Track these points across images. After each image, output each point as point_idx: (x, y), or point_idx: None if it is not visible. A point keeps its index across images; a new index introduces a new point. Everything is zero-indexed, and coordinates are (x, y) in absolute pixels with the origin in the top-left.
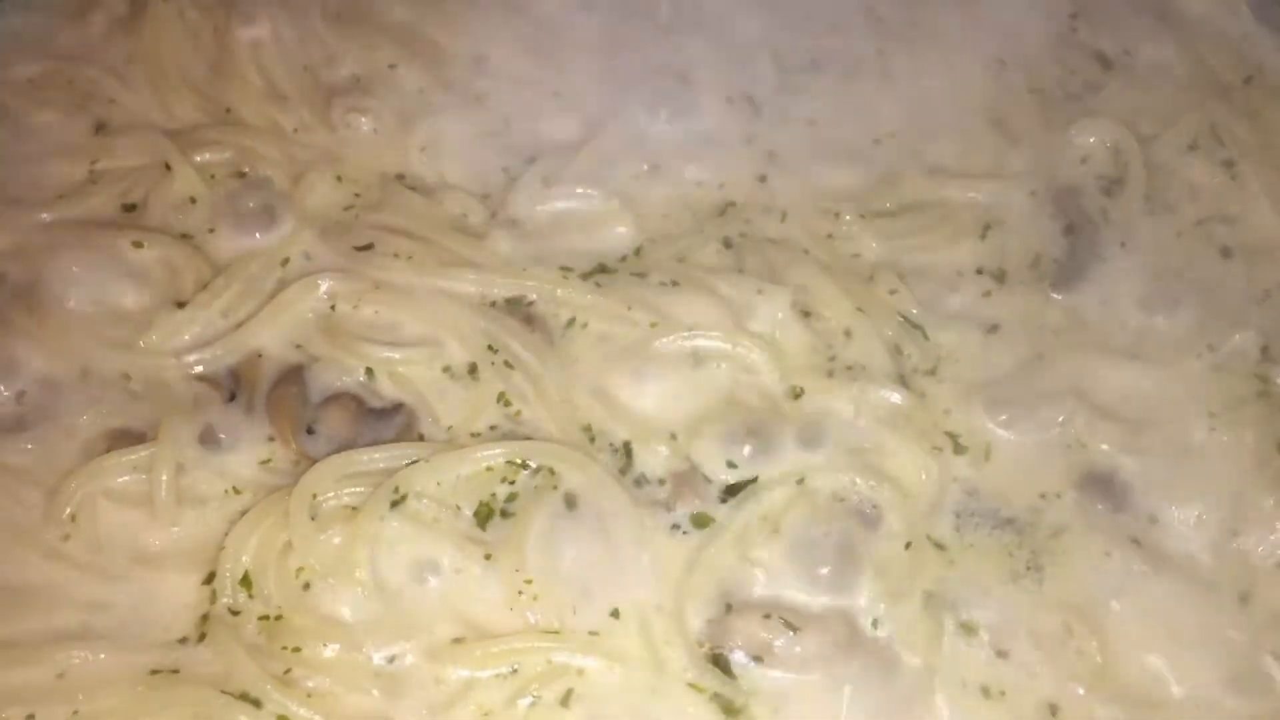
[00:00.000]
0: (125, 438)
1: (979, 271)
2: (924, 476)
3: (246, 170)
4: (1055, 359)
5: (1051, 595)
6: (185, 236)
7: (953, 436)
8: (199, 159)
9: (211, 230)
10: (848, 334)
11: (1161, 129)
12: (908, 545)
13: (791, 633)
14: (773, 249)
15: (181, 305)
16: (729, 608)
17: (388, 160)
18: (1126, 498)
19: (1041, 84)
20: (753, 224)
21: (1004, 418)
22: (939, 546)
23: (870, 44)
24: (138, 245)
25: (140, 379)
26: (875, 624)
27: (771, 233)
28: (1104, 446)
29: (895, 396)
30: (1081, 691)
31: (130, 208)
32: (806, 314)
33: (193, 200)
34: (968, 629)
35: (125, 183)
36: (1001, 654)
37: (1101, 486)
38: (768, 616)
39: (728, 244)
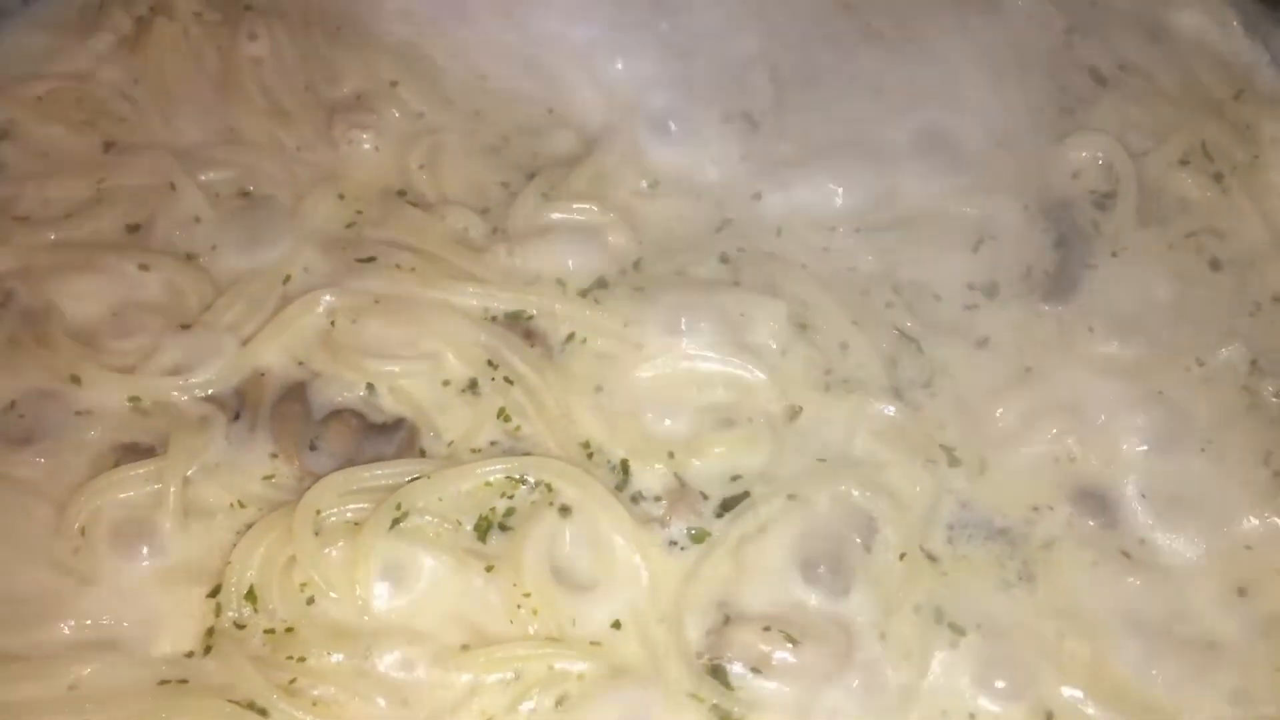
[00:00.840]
0: (134, 452)
1: (971, 285)
2: (919, 489)
3: (250, 189)
4: (1047, 371)
5: (1044, 603)
6: (190, 256)
7: (947, 449)
8: (203, 178)
9: (215, 249)
10: (844, 347)
11: (1153, 143)
12: (902, 557)
13: (790, 645)
14: (770, 263)
15: (186, 327)
16: (727, 620)
17: (389, 176)
18: (1117, 510)
19: (1035, 99)
20: (750, 238)
21: (997, 431)
22: (932, 558)
23: (866, 59)
24: (143, 267)
25: (147, 399)
26: (871, 635)
27: (768, 247)
28: (1095, 460)
29: (890, 410)
30: (1076, 696)
31: (135, 227)
32: (803, 327)
33: (197, 219)
34: (961, 638)
35: (131, 202)
36: (995, 661)
37: (1093, 499)
38: (766, 629)
39: (725, 259)
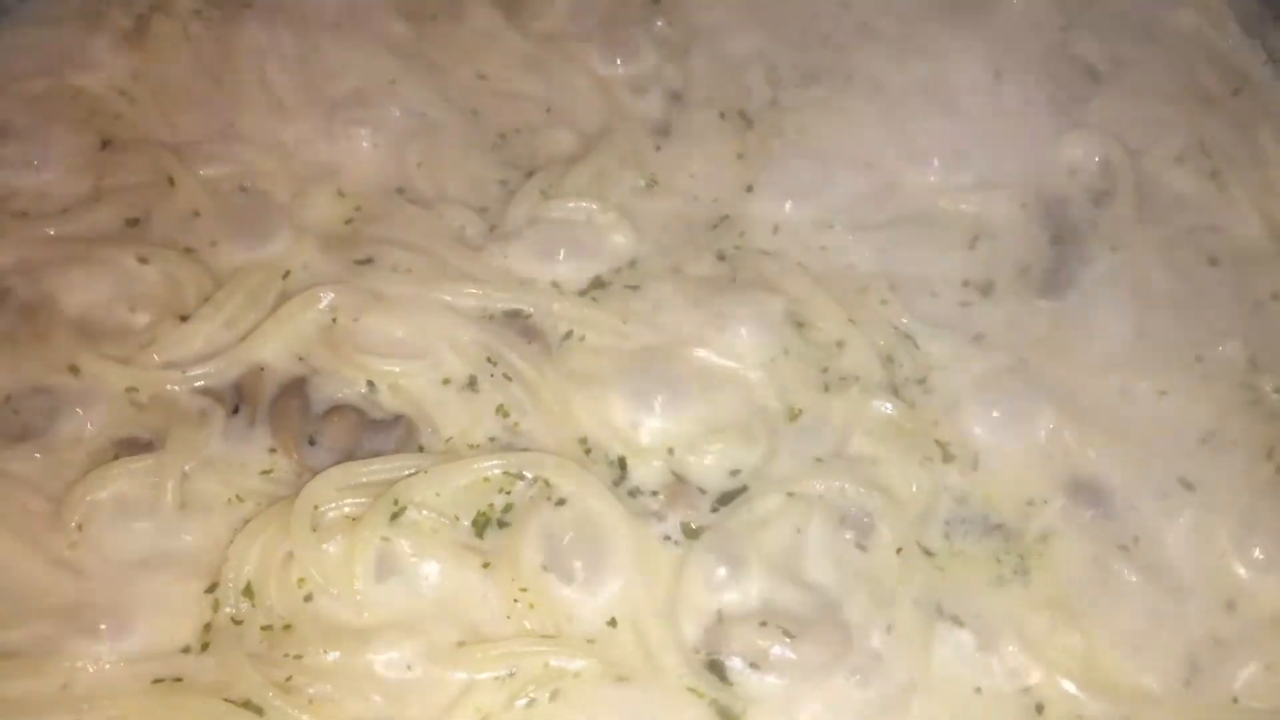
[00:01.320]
0: (132, 447)
1: (967, 282)
2: (915, 486)
3: (248, 184)
4: (1043, 367)
5: (1038, 597)
6: (189, 251)
7: (942, 445)
8: (202, 173)
9: (214, 244)
10: (840, 344)
11: (1151, 141)
12: (899, 552)
13: (787, 639)
14: (766, 260)
15: (185, 319)
16: (724, 615)
17: (387, 174)
18: (1113, 504)
19: (1032, 96)
20: (746, 236)
21: (992, 426)
22: (928, 554)
23: (863, 57)
24: (142, 260)
25: (145, 392)
26: (869, 629)
27: (765, 245)
28: (1091, 454)
29: (887, 407)
30: (1069, 689)
31: (134, 222)
32: (800, 324)
33: (196, 214)
34: (959, 632)
35: (130, 197)
36: (989, 654)
37: (1089, 493)
38: (763, 624)
39: (722, 256)
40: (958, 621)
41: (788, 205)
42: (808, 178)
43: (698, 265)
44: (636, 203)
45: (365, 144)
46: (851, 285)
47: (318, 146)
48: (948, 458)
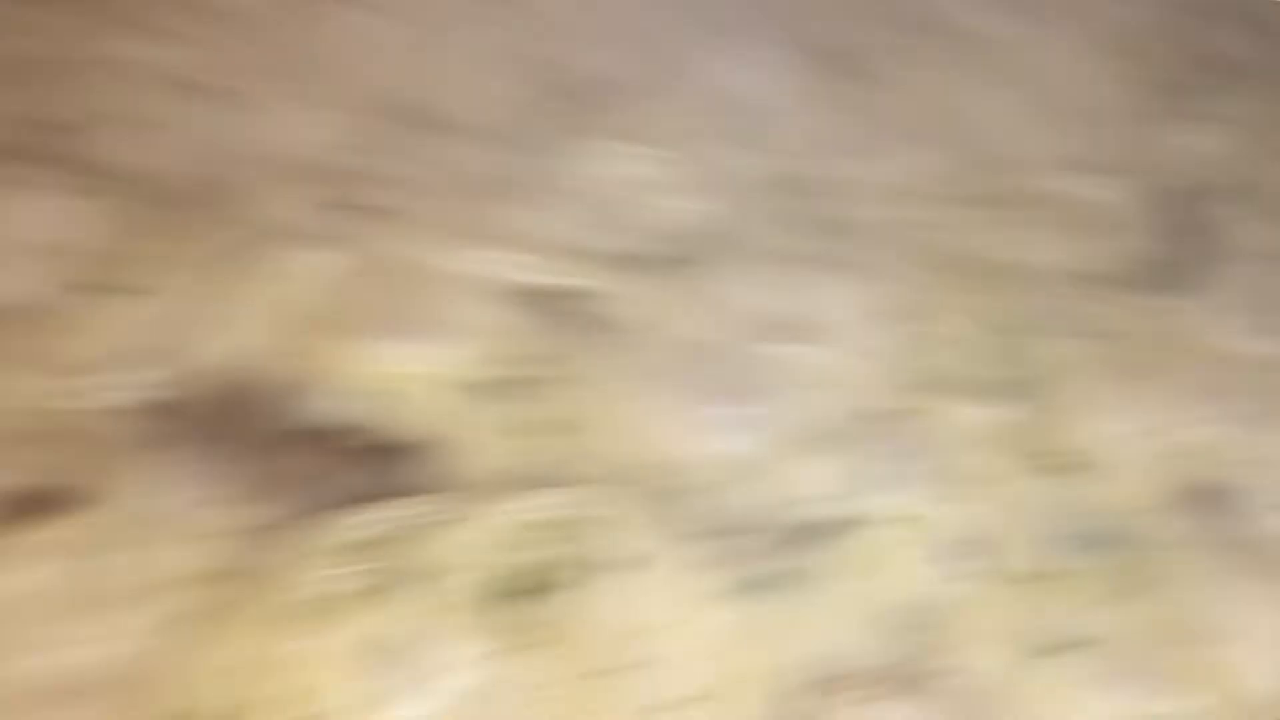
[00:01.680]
0: (33, 502)
1: (1084, 274)
2: (1024, 498)
3: (205, 78)
4: (1159, 368)
5: (1160, 614)
6: (126, 180)
7: (1056, 454)
8: (139, 52)
9: (158, 174)
10: (947, 340)
11: None
12: (1007, 576)
13: (881, 704)
14: (864, 241)
15: (110, 294)
16: (808, 681)
17: (394, 89)
18: (1235, 510)
19: (1160, 81)
20: (842, 209)
21: (1109, 431)
22: (1042, 573)
23: (975, 21)
24: (62, 193)
25: (53, 413)
26: (971, 672)
27: (863, 220)
28: (1211, 459)
29: (1000, 412)
30: (1194, 709)
31: (48, 128)
32: (898, 315)
33: (137, 121)
34: (1074, 655)
35: (45, 83)
36: (1110, 681)
37: (1208, 499)
38: (854, 690)
39: (804, 231)
40: (1075, 644)
41: (885, 180)
42: (905, 146)
43: (775, 238)
44: (708, 157)
45: (366, 43)
46: (960, 273)
47: (296, 33)
48: (1062, 468)
